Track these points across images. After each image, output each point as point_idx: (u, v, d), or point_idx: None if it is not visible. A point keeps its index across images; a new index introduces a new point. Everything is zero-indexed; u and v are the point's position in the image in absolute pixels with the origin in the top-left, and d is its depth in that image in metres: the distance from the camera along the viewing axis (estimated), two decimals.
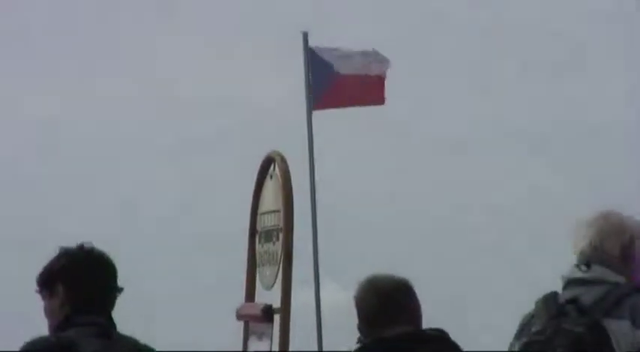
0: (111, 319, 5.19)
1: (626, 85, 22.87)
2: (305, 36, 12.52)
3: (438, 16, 21.47)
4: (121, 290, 5.21)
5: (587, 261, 4.02)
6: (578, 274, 4.01)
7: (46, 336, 5.22)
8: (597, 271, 4.01)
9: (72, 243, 5.05)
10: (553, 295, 4.03)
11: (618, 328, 3.83)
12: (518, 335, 4.19)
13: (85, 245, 5.13)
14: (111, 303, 5.23)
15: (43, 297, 5.03)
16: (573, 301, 3.95)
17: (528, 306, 4.69)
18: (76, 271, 5.12)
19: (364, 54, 12.85)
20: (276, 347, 7.89)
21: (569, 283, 4.02)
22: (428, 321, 4.91)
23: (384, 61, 12.90)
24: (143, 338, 5.22)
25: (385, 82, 12.86)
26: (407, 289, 5.19)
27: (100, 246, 5.30)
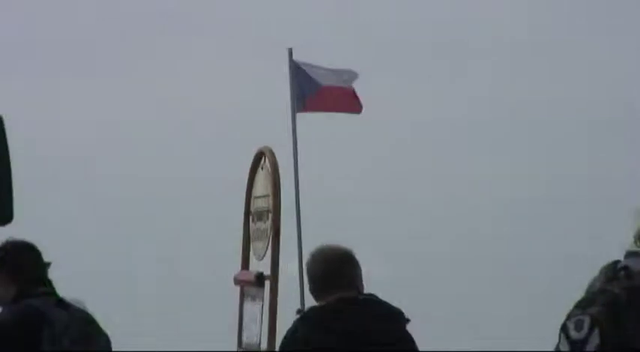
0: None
1: None
2: (290, 51, 13.73)
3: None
4: (49, 264, 6.11)
5: None
6: (635, 248, 4.45)
7: (14, 305, 5.87)
8: None
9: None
10: (614, 263, 4.42)
11: None
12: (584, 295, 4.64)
13: (8, 239, 5.99)
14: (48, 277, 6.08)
15: None
16: (625, 268, 4.35)
17: None
18: (14, 257, 5.97)
19: (337, 71, 14.24)
20: (266, 307, 9.06)
21: (628, 255, 4.46)
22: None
23: (353, 76, 14.26)
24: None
25: (358, 94, 14.15)
26: (349, 259, 6.02)
27: None
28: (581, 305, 4.32)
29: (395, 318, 5.99)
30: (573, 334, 4.27)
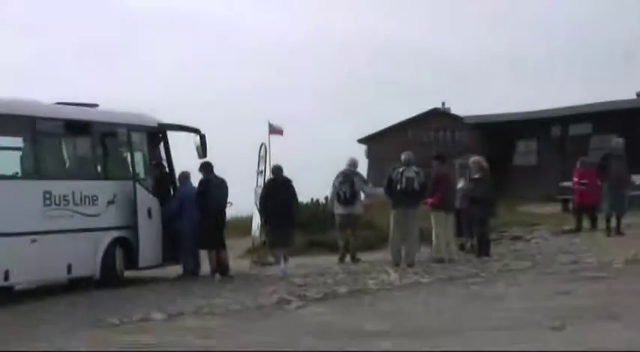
0: None
1: None
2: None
3: None
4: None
5: None
6: None
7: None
8: None
9: None
10: None
11: None
12: None
13: None
14: None
15: None
16: None
17: None
18: None
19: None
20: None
21: None
22: None
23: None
24: None
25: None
26: (281, 168, 18.70)
27: None
28: None
29: (289, 183, 18.52)
30: None
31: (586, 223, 23.18)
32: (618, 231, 21.15)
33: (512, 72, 75.09)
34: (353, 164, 20.26)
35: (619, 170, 21.80)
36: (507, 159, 35.28)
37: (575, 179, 23.76)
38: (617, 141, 22.57)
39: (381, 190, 19.14)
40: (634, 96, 37.54)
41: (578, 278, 14.44)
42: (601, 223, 21.95)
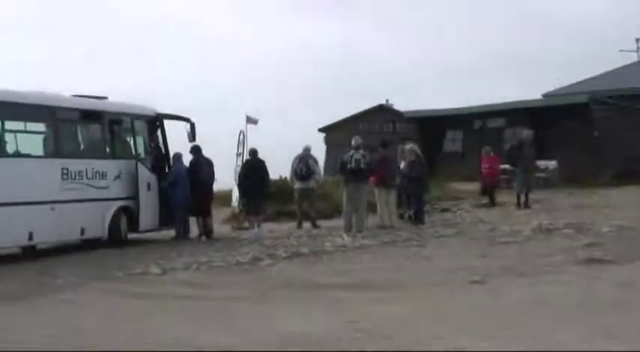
0: None
1: None
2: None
3: None
4: None
5: None
6: None
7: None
8: None
9: None
10: None
11: None
12: None
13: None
14: None
15: None
16: None
17: None
18: None
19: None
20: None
21: None
22: None
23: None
24: None
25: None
26: (256, 151, 18.79)
27: None
28: None
29: (262, 163, 18.60)
30: None
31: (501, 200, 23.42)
32: (527, 205, 21.37)
33: (444, 75, 75.58)
34: (307, 149, 20.75)
35: (530, 156, 22.05)
36: (438, 146, 35.39)
37: (483, 165, 23.98)
38: (527, 133, 22.77)
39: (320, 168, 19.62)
40: (540, 97, 37.88)
41: (495, 242, 14.51)
42: (513, 199, 22.15)
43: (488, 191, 23.58)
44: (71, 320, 9.22)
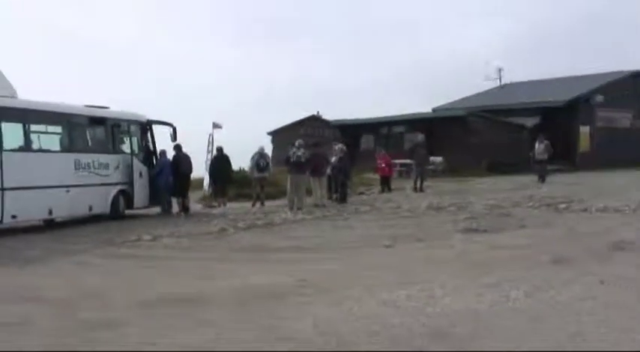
0: None
1: None
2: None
3: None
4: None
5: None
6: None
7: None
8: None
9: None
10: None
11: None
12: None
13: None
14: None
15: None
16: None
17: None
18: None
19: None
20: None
21: None
22: None
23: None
24: None
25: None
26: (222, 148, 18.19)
27: None
28: None
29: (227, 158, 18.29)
30: None
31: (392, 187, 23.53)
32: (421, 189, 21.51)
33: (362, 92, 75.69)
34: (262, 149, 20.53)
35: (422, 154, 22.22)
36: (357, 146, 35.44)
37: (378, 161, 23.86)
38: (421, 137, 23.02)
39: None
40: (430, 110, 38.32)
41: (399, 217, 14.62)
42: (411, 185, 22.27)
43: (384, 180, 23.50)
44: (83, 277, 8.94)
